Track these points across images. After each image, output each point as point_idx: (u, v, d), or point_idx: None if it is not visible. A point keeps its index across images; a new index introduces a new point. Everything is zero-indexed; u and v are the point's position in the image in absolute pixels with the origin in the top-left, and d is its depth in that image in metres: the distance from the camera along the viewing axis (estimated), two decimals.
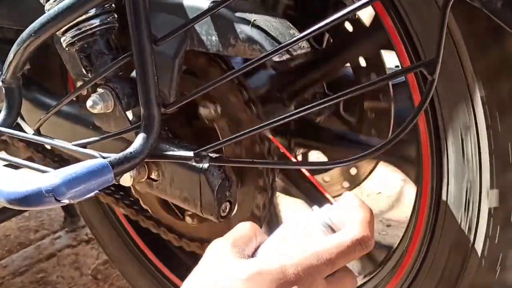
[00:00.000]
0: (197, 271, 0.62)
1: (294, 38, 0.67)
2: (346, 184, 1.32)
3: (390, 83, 1.11)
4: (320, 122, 1.22)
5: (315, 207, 0.66)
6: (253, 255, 0.63)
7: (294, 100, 1.13)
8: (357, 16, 1.11)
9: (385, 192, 2.10)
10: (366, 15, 1.11)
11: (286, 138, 1.16)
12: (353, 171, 1.30)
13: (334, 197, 1.30)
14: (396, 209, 2.02)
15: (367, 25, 1.11)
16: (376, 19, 1.06)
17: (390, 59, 1.13)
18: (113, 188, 1.17)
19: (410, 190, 2.07)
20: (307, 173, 0.83)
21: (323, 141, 1.20)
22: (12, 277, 1.78)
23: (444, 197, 0.79)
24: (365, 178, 1.30)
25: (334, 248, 0.59)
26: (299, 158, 1.27)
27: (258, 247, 0.64)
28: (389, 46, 0.80)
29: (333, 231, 0.63)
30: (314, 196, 1.17)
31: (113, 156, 0.73)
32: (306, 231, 0.63)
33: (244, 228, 0.64)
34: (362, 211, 0.63)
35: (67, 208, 1.98)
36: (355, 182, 1.31)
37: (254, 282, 0.57)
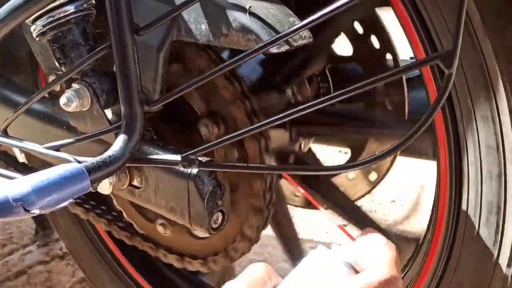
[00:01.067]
0: None
1: (294, 27, 0.67)
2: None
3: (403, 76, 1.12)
4: None
5: (335, 245, 0.67)
6: None
7: (291, 84, 1.13)
8: None
9: (400, 200, 2.11)
10: None
11: (286, 128, 1.17)
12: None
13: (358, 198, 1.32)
14: (412, 219, 2.02)
15: None
16: None
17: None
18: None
19: (429, 198, 2.08)
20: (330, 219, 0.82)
21: (330, 125, 1.21)
22: None
23: (464, 206, 0.80)
24: (387, 171, 1.32)
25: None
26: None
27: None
28: (386, 2, 0.80)
29: (356, 271, 0.64)
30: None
31: (90, 161, 0.74)
32: (327, 271, 0.64)
33: (258, 270, 0.66)
34: (387, 249, 0.65)
35: (39, 220, 1.98)
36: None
37: None
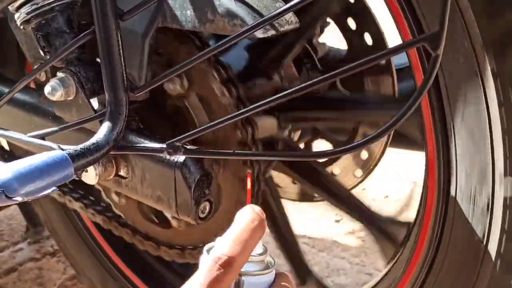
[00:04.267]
0: None
1: (278, 10, 0.67)
2: (359, 173, 1.32)
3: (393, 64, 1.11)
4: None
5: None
6: None
7: (279, 69, 1.12)
8: None
9: (393, 196, 2.11)
10: None
11: (273, 115, 1.14)
12: (364, 155, 1.30)
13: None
14: (405, 214, 2.02)
15: None
16: None
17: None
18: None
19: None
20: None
21: (318, 109, 1.18)
22: None
23: (453, 191, 0.79)
24: (377, 162, 1.30)
25: (202, 275, 0.59)
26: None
27: None
28: None
29: None
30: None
31: (73, 148, 0.73)
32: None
33: None
34: (236, 226, 0.61)
35: (30, 217, 1.97)
36: (367, 168, 1.31)
37: None
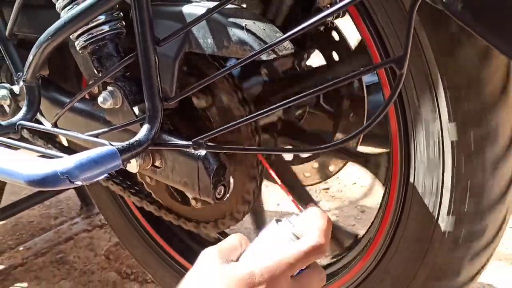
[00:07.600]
0: (188, 274, 0.64)
1: (279, 39, 0.66)
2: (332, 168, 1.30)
3: (363, 81, 1.10)
4: (302, 121, 1.20)
5: (284, 219, 0.67)
6: (237, 259, 0.64)
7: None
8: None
9: (360, 182, 2.10)
10: None
11: (273, 136, 1.14)
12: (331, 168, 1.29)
13: (310, 185, 1.30)
14: (369, 197, 2.01)
15: None
16: None
17: None
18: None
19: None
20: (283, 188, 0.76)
21: (303, 141, 1.16)
22: (35, 258, 1.77)
23: (411, 179, 0.78)
24: (334, 174, 1.29)
25: (293, 254, 0.61)
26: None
27: (242, 253, 0.66)
28: None
29: (298, 238, 0.64)
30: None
31: (121, 144, 0.72)
32: (276, 239, 0.64)
33: (232, 238, 0.67)
34: (321, 221, 0.64)
35: (83, 198, 1.96)
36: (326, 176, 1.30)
37: (229, 283, 0.59)
